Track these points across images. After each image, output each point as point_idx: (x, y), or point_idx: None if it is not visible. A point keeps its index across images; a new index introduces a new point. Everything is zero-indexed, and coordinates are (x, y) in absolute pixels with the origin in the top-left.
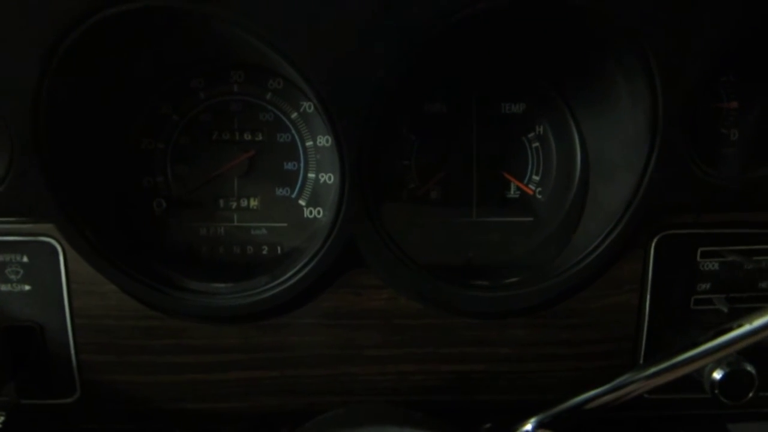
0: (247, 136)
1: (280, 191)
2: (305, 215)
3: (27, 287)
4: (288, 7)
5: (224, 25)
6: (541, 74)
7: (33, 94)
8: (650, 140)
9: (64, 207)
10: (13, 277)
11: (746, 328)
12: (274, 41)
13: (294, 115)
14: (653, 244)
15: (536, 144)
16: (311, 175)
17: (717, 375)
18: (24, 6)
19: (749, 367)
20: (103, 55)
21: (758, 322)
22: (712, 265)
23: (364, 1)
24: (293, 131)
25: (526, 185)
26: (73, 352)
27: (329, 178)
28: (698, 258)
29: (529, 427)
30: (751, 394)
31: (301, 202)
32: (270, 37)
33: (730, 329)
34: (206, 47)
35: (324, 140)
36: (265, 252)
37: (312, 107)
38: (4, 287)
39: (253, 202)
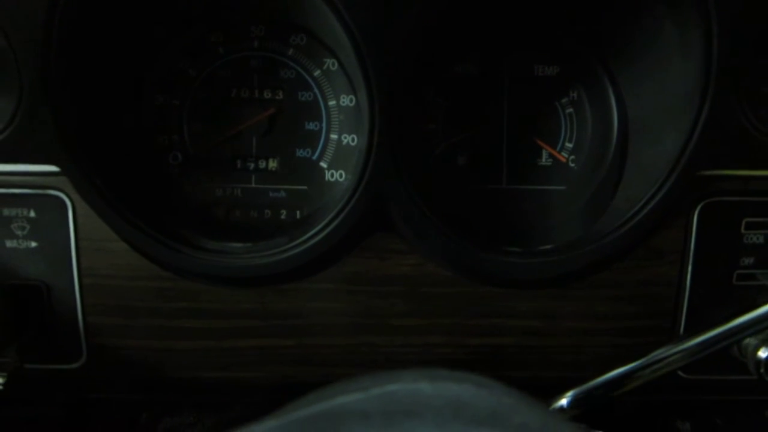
0: (267, 94)
1: (300, 152)
2: (326, 178)
3: (33, 244)
4: None
5: None
6: (579, 34)
7: (44, 26)
8: (701, 96)
9: (75, 152)
10: (18, 232)
11: None
12: None
13: (317, 73)
14: (696, 212)
15: (570, 110)
16: (334, 136)
17: (763, 353)
18: None
19: None
20: None
21: None
22: (757, 237)
23: None
24: (315, 90)
25: (559, 152)
26: (80, 313)
27: (352, 140)
28: (743, 229)
29: (563, 402)
30: None
31: (323, 164)
32: None
33: None
34: None
35: (348, 100)
36: (283, 216)
37: (336, 65)
38: (9, 243)
39: (272, 164)
